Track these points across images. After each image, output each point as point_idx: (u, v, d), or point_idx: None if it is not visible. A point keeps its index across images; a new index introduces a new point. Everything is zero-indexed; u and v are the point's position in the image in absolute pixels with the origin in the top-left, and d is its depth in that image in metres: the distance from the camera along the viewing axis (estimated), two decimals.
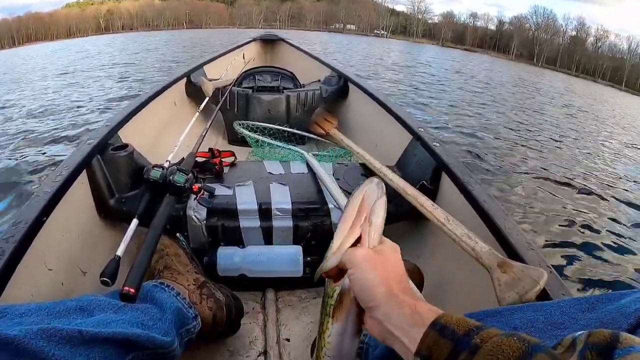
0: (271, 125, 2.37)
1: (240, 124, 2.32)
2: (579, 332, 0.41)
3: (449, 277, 1.31)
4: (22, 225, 1.01)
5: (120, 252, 1.04)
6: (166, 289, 1.03)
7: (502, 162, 4.67)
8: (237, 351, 1.19)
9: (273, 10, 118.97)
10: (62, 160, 1.39)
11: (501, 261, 0.95)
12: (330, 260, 0.58)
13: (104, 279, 0.94)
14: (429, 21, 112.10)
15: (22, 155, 4.21)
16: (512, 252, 1.01)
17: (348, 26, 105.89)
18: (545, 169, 4.71)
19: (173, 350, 0.89)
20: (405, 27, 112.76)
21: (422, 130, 1.71)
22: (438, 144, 1.57)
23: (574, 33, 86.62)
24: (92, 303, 0.82)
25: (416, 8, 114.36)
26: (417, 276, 1.20)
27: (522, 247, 1.00)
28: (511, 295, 0.86)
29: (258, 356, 1.17)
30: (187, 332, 0.99)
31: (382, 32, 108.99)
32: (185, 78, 2.71)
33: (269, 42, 5.18)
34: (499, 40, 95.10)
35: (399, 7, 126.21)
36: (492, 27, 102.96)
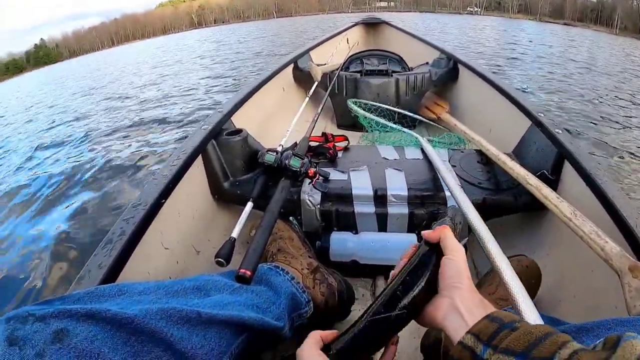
0: (384, 105, 2.32)
1: (354, 102, 2.29)
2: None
3: (568, 277, 1.19)
4: (141, 207, 1.07)
5: (235, 233, 1.06)
6: (281, 272, 1.03)
7: (622, 152, 4.18)
8: None
9: None
10: (179, 145, 1.47)
11: (633, 265, 0.84)
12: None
13: (219, 259, 0.96)
14: None
15: (141, 139, 4.58)
16: None
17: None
18: None
19: (284, 334, 0.90)
20: (500, 2, 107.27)
21: (543, 115, 1.56)
22: (561, 131, 1.42)
23: None
24: (208, 283, 0.83)
25: None
26: (534, 273, 1.12)
27: None
28: None
29: None
30: (298, 316, 0.99)
31: (476, 9, 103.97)
32: (292, 64, 2.76)
33: (372, 25, 5.16)
34: (600, 12, 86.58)
35: None
36: None
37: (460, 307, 0.55)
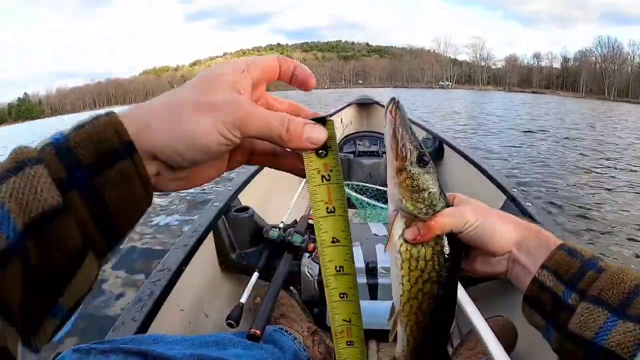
0: (374, 186, 2.51)
1: (346, 184, 2.48)
2: None
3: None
4: (166, 271, 1.24)
5: (243, 299, 1.23)
6: (285, 333, 1.16)
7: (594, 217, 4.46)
8: None
9: (337, 70, 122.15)
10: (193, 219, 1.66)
11: None
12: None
13: (230, 321, 1.13)
14: (493, 67, 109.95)
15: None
16: None
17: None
18: None
19: None
20: (470, 75, 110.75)
21: (516, 190, 1.78)
22: (531, 204, 1.64)
23: None
24: (225, 339, 0.97)
25: (478, 55, 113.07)
26: (510, 331, 1.21)
27: None
28: None
29: None
30: None
31: (447, 83, 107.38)
32: None
33: (364, 106, 5.43)
34: (566, 78, 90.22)
35: (461, 57, 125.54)
36: (557, 65, 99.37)
37: (517, 255, 0.52)
